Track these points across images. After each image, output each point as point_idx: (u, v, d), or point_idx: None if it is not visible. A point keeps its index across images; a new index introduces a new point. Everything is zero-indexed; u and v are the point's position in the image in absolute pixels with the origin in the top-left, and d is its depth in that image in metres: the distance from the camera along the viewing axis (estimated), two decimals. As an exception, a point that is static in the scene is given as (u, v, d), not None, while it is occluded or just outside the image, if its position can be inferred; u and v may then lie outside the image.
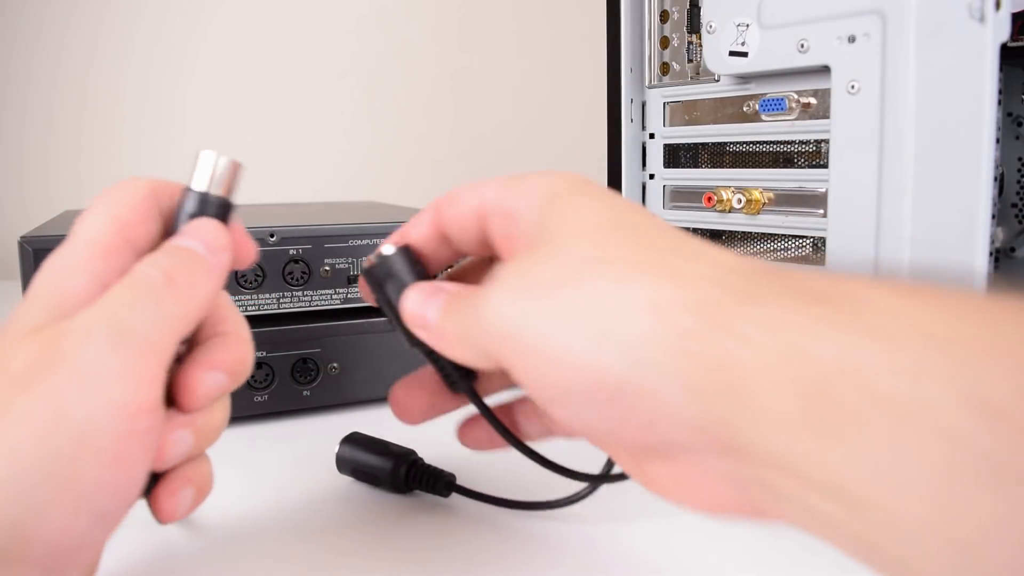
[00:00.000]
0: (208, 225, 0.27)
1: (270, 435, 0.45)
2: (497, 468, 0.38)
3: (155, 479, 0.26)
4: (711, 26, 0.43)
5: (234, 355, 0.27)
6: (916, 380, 0.16)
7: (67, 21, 1.18)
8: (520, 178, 0.28)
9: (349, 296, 0.51)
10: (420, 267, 0.30)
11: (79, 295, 0.25)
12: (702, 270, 0.21)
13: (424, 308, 0.27)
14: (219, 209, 0.29)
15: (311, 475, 0.38)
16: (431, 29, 1.25)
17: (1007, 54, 0.54)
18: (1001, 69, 0.34)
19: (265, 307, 0.48)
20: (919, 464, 0.16)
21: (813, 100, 0.41)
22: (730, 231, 0.47)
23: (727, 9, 0.42)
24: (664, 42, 0.49)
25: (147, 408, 0.23)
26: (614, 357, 0.20)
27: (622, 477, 0.30)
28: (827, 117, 0.39)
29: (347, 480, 0.38)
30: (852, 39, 0.36)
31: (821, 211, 0.41)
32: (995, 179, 0.67)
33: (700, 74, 0.47)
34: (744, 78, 0.44)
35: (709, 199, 0.46)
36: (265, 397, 0.47)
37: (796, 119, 0.41)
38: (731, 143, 0.47)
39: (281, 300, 0.48)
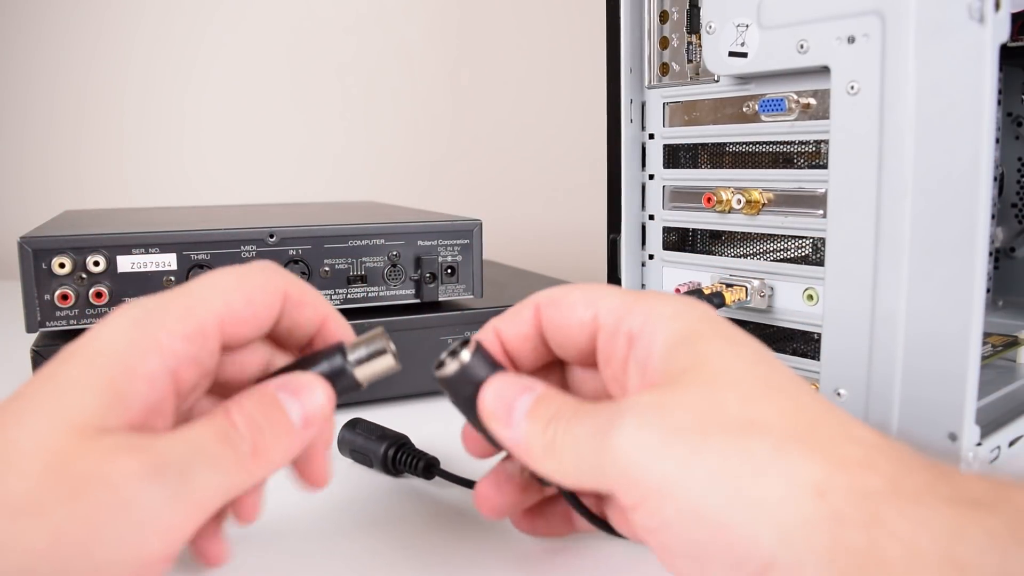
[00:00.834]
0: (320, 399, 0.27)
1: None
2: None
3: None
4: (711, 26, 0.43)
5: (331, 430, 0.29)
6: None
7: (67, 21, 1.18)
8: (640, 297, 0.27)
9: (349, 296, 0.51)
10: (499, 366, 0.28)
11: (145, 389, 0.24)
12: (859, 453, 0.21)
13: (510, 405, 0.26)
14: (346, 386, 0.28)
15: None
16: (430, 29, 1.25)
17: (1007, 54, 0.54)
18: (1001, 69, 0.34)
19: (265, 307, 0.48)
20: None
21: (813, 100, 0.41)
22: (730, 231, 0.47)
23: (727, 9, 0.42)
24: (664, 42, 0.49)
25: (169, 557, 0.23)
26: (768, 533, 0.20)
27: None
28: (827, 117, 0.39)
29: (347, 462, 0.40)
30: (852, 39, 0.36)
31: (821, 211, 0.41)
32: (995, 179, 0.67)
33: (700, 74, 0.47)
34: (744, 78, 0.44)
35: (709, 199, 0.46)
36: (265, 397, 0.47)
37: (796, 119, 0.41)
38: (731, 143, 0.47)
39: (281, 300, 0.48)
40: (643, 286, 0.52)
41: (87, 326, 0.44)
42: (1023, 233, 0.64)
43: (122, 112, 1.21)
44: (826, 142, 0.39)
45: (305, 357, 0.29)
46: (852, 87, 0.37)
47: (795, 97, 0.41)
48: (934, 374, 0.35)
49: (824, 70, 0.38)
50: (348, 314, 0.51)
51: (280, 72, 1.23)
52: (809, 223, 0.42)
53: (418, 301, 0.52)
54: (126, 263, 0.46)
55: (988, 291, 0.64)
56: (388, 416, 0.44)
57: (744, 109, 0.44)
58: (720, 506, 0.20)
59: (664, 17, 0.49)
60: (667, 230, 0.51)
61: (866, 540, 0.19)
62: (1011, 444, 0.39)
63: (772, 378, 0.23)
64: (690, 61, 0.48)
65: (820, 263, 0.41)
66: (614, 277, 0.52)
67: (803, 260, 0.44)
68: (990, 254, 0.64)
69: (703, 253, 0.49)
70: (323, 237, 0.50)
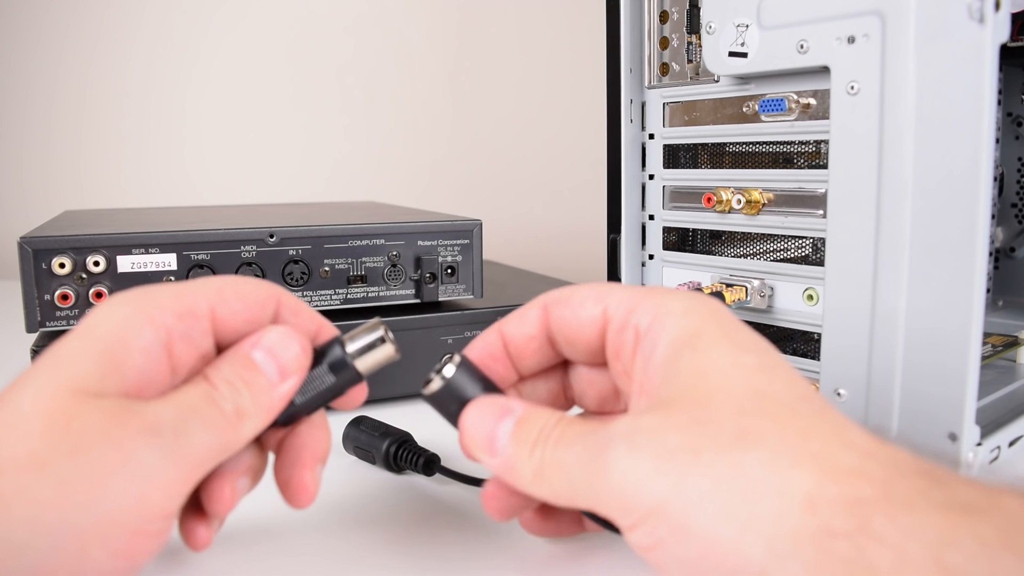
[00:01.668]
0: (294, 349, 0.27)
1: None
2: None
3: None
4: (711, 27, 0.43)
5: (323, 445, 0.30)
6: None
7: (67, 21, 1.18)
8: (649, 292, 0.27)
9: (349, 296, 0.51)
10: (486, 381, 0.28)
11: (140, 360, 0.25)
12: (852, 460, 0.21)
13: (491, 433, 0.26)
14: (348, 378, 0.29)
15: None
16: (430, 28, 1.25)
17: (1007, 54, 0.54)
18: (1001, 69, 0.34)
19: (265, 307, 0.48)
20: None
21: (813, 101, 0.41)
22: (730, 231, 0.47)
23: (727, 10, 0.42)
24: (664, 43, 0.49)
25: (169, 515, 0.24)
26: (758, 548, 0.20)
27: None
28: (827, 118, 0.39)
29: (351, 459, 0.41)
30: (852, 40, 0.36)
31: (821, 212, 0.41)
32: (995, 179, 0.67)
33: (700, 75, 0.47)
34: (744, 79, 0.44)
35: (709, 199, 0.46)
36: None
37: (796, 120, 0.41)
38: (731, 144, 0.47)
39: (281, 300, 0.48)
40: (643, 286, 0.52)
41: (87, 326, 0.44)
42: (1023, 233, 0.64)
43: (122, 112, 1.21)
44: (826, 142, 0.39)
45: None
46: (852, 87, 0.37)
47: (795, 97, 0.41)
48: (934, 374, 0.35)
49: (824, 70, 0.38)
50: (348, 314, 0.51)
51: (280, 72, 1.23)
52: (809, 223, 0.42)
53: (418, 301, 0.52)
54: (126, 263, 0.46)
55: (988, 291, 0.64)
56: (392, 414, 0.44)
57: (744, 109, 0.44)
58: (711, 523, 0.21)
59: (664, 17, 0.49)
60: (667, 230, 0.51)
61: (855, 549, 0.19)
62: (1011, 444, 0.39)
63: (769, 386, 0.23)
64: (690, 61, 0.48)
65: (820, 263, 0.41)
66: (614, 277, 0.52)
67: (803, 260, 0.44)
68: (990, 254, 0.64)
69: (703, 253, 0.49)
70: (323, 237, 0.50)
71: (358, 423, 0.41)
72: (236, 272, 0.48)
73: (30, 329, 0.45)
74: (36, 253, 0.44)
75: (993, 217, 0.63)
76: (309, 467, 0.29)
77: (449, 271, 0.53)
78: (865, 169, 0.36)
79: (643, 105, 0.50)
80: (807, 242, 0.45)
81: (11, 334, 0.60)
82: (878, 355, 0.37)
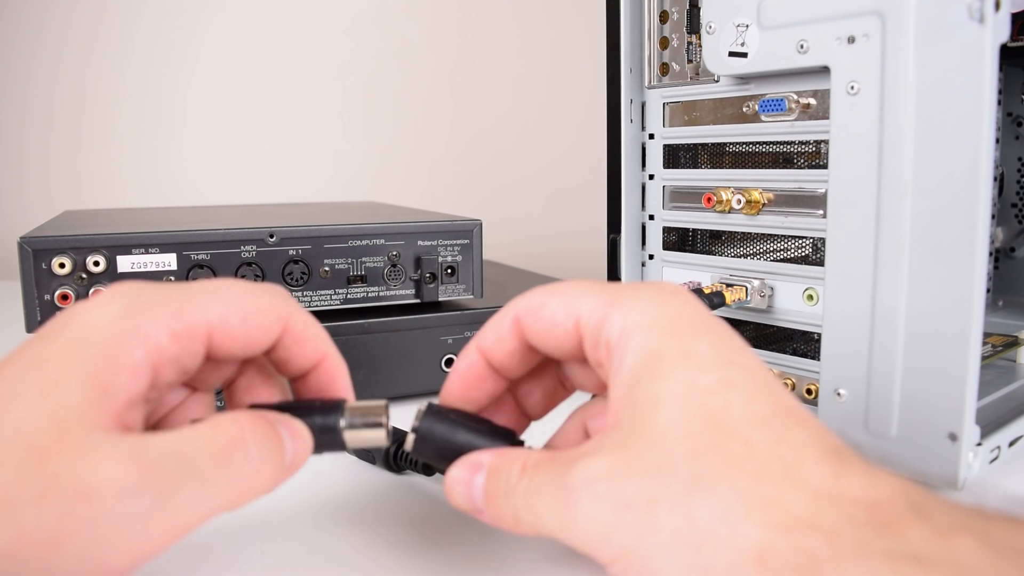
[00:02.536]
0: (306, 451, 0.27)
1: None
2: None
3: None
4: (711, 27, 0.43)
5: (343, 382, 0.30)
6: None
7: (67, 21, 1.18)
8: (616, 298, 0.27)
9: (349, 296, 0.51)
10: (462, 418, 0.29)
11: (128, 380, 0.24)
12: (803, 507, 0.21)
13: (469, 494, 0.27)
14: (332, 443, 0.28)
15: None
16: (430, 28, 1.25)
17: (1007, 54, 0.54)
18: (1001, 69, 0.34)
19: (265, 307, 0.48)
20: None
21: (813, 101, 0.41)
22: (730, 231, 0.47)
23: (727, 9, 0.42)
24: (664, 42, 0.49)
25: (133, 571, 0.23)
26: None
27: None
28: (827, 118, 0.39)
29: (351, 459, 0.41)
30: (852, 40, 0.36)
31: (821, 212, 0.41)
32: (995, 179, 0.67)
33: (700, 75, 0.47)
34: (744, 79, 0.44)
35: (709, 199, 0.46)
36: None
37: (796, 120, 0.41)
38: (731, 144, 0.47)
39: (281, 300, 0.48)
40: (612, 283, 0.52)
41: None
42: (1023, 233, 0.64)
43: (122, 112, 1.21)
44: (826, 142, 0.39)
45: (304, 402, 0.29)
46: (852, 87, 0.37)
47: (795, 97, 0.41)
48: (934, 374, 0.35)
49: (824, 70, 0.38)
50: (348, 314, 0.51)
51: (280, 72, 1.23)
52: (809, 223, 0.42)
53: (418, 301, 0.52)
54: (126, 263, 0.46)
55: (988, 291, 0.64)
56: (392, 415, 0.44)
57: (744, 109, 0.44)
58: (672, 573, 0.22)
59: (664, 17, 0.49)
60: (667, 230, 0.51)
61: None
62: (1011, 444, 0.39)
63: (725, 414, 0.23)
64: (690, 61, 0.48)
65: (820, 263, 0.41)
66: (614, 277, 0.52)
67: (803, 260, 0.44)
68: (990, 254, 0.64)
69: (703, 253, 0.49)
70: (323, 237, 0.50)
71: None
72: (236, 272, 0.48)
73: (30, 329, 0.45)
74: (36, 253, 0.44)
75: (993, 217, 0.63)
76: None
77: (449, 271, 0.53)
78: (865, 169, 0.36)
79: (643, 105, 0.50)
80: (807, 242, 0.45)
81: (11, 334, 0.60)
82: (878, 355, 0.37)
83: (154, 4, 1.19)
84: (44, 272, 0.44)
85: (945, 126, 0.33)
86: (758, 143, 0.45)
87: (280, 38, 1.22)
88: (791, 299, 0.43)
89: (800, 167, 0.44)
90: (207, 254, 0.47)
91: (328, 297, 0.50)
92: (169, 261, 0.47)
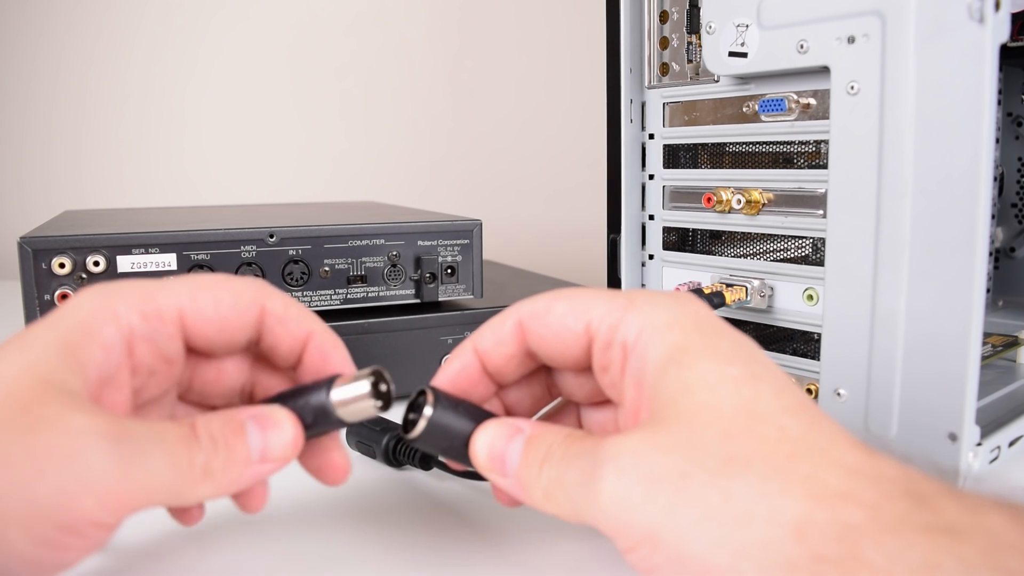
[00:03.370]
0: (284, 437, 0.26)
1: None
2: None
3: None
4: (711, 27, 0.43)
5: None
6: None
7: (67, 21, 1.18)
8: (631, 302, 0.26)
9: (349, 296, 0.51)
10: (466, 405, 0.28)
11: (100, 355, 0.25)
12: (841, 482, 0.21)
13: (502, 455, 0.26)
14: (330, 425, 0.28)
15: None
16: (430, 28, 1.25)
17: (1007, 54, 0.54)
18: (1001, 69, 0.34)
19: (265, 307, 0.48)
20: None
21: (813, 101, 0.41)
22: (730, 231, 0.47)
23: (727, 9, 0.42)
24: (664, 42, 0.49)
25: (101, 524, 0.23)
26: (751, 574, 0.20)
27: None
28: (827, 118, 0.39)
29: (352, 453, 0.41)
30: (852, 40, 0.36)
31: (821, 212, 0.41)
32: (995, 179, 0.67)
33: (700, 75, 0.47)
34: (744, 79, 0.44)
35: (709, 199, 0.46)
36: (265, 397, 0.47)
37: (796, 120, 0.41)
38: (731, 144, 0.47)
39: (281, 300, 0.48)
40: (643, 286, 0.52)
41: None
42: (1023, 233, 0.64)
43: (122, 112, 1.21)
44: (826, 142, 0.39)
45: (299, 386, 0.28)
46: (852, 87, 0.37)
47: (795, 97, 0.41)
48: (934, 374, 0.35)
49: (824, 70, 0.38)
50: (348, 314, 0.51)
51: (280, 72, 1.23)
52: (809, 223, 0.42)
53: (418, 301, 0.52)
54: (126, 263, 0.46)
55: (988, 291, 0.64)
56: (394, 412, 0.44)
57: (744, 109, 0.45)
58: (705, 551, 0.21)
59: (664, 17, 0.49)
60: (667, 230, 0.51)
61: (844, 574, 0.19)
62: (1011, 444, 0.39)
63: (756, 402, 0.23)
64: (690, 61, 0.48)
65: (820, 263, 0.41)
66: (614, 277, 0.52)
67: (803, 260, 0.44)
68: (990, 254, 0.64)
69: (703, 253, 0.49)
70: (323, 237, 0.50)
71: None
72: (236, 272, 0.48)
73: (30, 329, 0.45)
74: (36, 253, 0.44)
75: (993, 217, 0.63)
76: (335, 447, 0.29)
77: (449, 271, 0.53)
78: (865, 169, 0.36)
79: (643, 105, 0.50)
80: (807, 242, 0.45)
81: (11, 334, 0.60)
82: (878, 355, 0.37)
83: (154, 5, 1.19)
84: (44, 272, 0.44)
85: (945, 126, 0.33)
86: (758, 143, 0.45)
87: (280, 38, 1.22)
88: (791, 299, 0.43)
89: (800, 167, 0.44)
90: (207, 254, 0.47)
91: (328, 297, 0.50)
92: (169, 261, 0.47)
